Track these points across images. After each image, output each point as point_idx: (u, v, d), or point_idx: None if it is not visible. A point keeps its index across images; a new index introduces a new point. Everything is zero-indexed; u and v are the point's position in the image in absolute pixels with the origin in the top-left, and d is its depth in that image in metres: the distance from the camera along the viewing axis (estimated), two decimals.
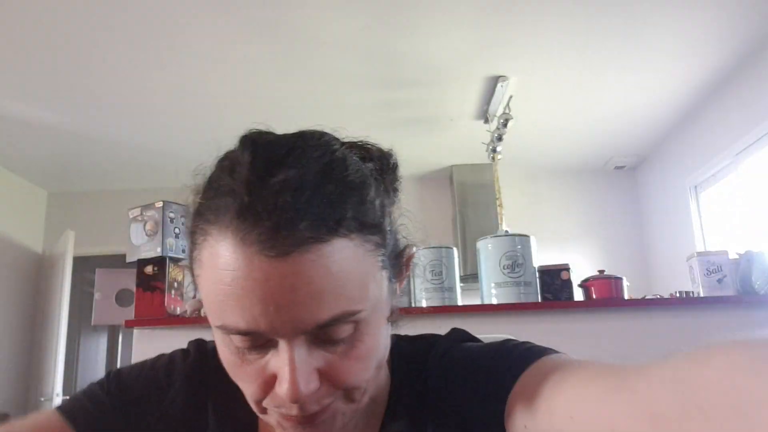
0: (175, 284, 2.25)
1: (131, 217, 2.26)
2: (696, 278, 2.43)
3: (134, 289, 2.23)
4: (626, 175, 5.33)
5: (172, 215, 2.23)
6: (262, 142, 0.49)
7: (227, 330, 0.45)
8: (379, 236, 0.48)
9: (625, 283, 2.46)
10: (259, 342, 0.46)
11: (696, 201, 4.33)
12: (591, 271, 2.67)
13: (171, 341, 2.35)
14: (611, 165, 5.20)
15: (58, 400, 4.06)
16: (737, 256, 2.44)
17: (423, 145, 4.63)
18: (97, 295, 3.40)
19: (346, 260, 0.44)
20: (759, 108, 3.41)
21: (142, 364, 0.62)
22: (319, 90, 3.75)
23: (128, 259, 2.26)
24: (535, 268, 2.42)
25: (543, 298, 2.37)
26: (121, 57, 3.28)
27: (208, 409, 0.59)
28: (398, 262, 0.53)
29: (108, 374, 0.61)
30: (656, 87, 3.85)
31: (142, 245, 2.22)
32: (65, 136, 4.23)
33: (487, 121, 4.15)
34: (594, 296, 2.42)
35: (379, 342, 0.50)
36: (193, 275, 0.51)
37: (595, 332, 2.33)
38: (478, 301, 2.46)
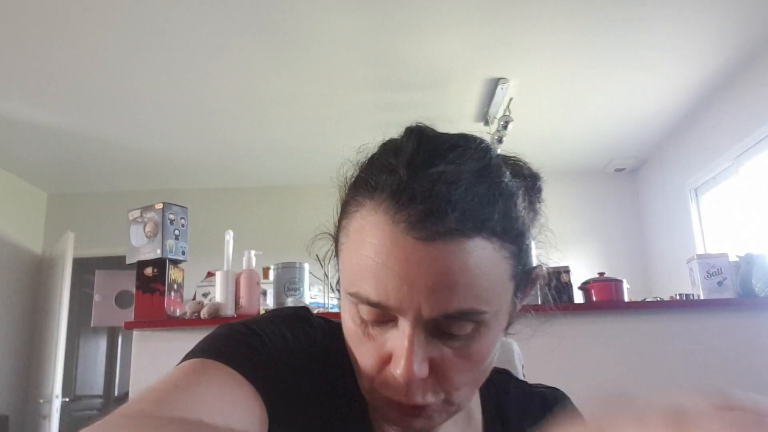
0: (175, 286, 2.25)
1: (131, 218, 2.26)
2: (696, 281, 2.42)
3: (134, 290, 2.23)
4: (626, 178, 5.33)
5: (172, 217, 2.23)
6: (428, 134, 0.52)
7: (359, 298, 0.48)
8: (516, 247, 0.50)
9: (626, 286, 2.46)
10: (385, 318, 0.48)
11: (696, 203, 4.32)
12: (591, 274, 2.67)
13: (171, 343, 2.35)
14: (611, 167, 5.20)
15: (57, 401, 4.06)
16: (737, 259, 2.44)
17: None
18: (96, 297, 3.40)
19: (483, 260, 0.46)
20: (759, 111, 3.41)
21: (268, 318, 0.57)
22: (319, 92, 3.76)
23: (128, 261, 2.25)
24: None
25: (543, 300, 2.36)
26: (121, 58, 3.28)
27: (334, 383, 0.57)
28: (526, 279, 0.54)
29: (236, 323, 0.54)
30: (656, 89, 3.85)
31: (141, 247, 2.22)
32: (65, 137, 4.24)
33: (487, 123, 4.15)
34: (594, 299, 2.42)
35: (491, 349, 0.51)
36: (337, 243, 0.54)
37: (595, 334, 2.32)
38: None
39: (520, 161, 0.59)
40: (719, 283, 2.37)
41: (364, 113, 4.05)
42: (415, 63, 3.45)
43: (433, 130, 0.54)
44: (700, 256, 2.45)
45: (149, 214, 2.23)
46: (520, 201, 0.51)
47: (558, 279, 2.37)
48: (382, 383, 0.49)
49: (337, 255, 0.55)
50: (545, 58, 3.43)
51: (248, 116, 4.08)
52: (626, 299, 2.44)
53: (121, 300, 3.51)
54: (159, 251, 2.17)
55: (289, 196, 5.34)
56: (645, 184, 5.17)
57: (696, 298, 2.41)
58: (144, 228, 2.23)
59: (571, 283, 2.39)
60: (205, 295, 3.11)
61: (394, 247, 0.45)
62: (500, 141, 3.90)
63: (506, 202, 0.49)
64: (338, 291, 0.53)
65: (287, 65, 3.42)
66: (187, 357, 0.51)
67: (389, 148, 0.52)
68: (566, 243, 4.99)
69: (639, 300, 2.62)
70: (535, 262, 0.55)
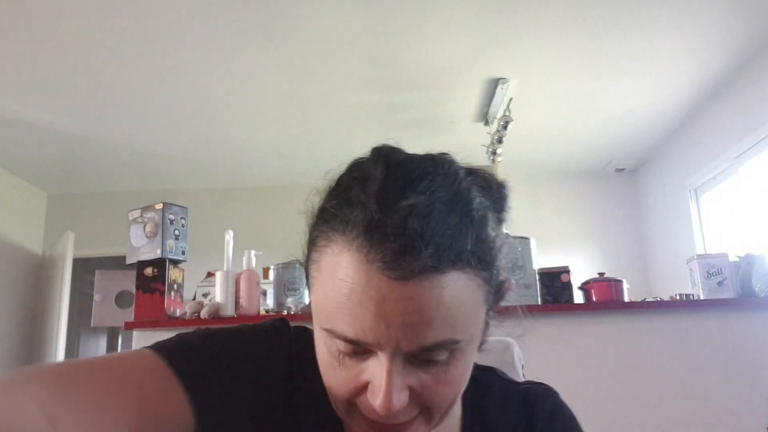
0: (175, 286, 2.25)
1: (131, 218, 2.26)
2: (696, 281, 2.42)
3: (134, 290, 2.23)
4: (626, 178, 5.33)
5: (171, 217, 2.23)
6: (396, 161, 0.50)
7: (334, 335, 0.48)
8: (488, 272, 0.50)
9: (625, 286, 2.46)
10: (361, 350, 0.48)
11: (696, 204, 4.32)
12: (591, 274, 2.67)
13: None
14: (611, 167, 5.20)
15: None
16: (737, 259, 2.44)
17: (423, 148, 4.55)
18: (96, 297, 3.41)
19: (457, 292, 0.46)
20: (759, 111, 3.41)
21: (238, 328, 0.59)
22: (319, 92, 3.76)
23: (128, 261, 2.25)
24: (535, 270, 2.41)
25: (543, 300, 2.36)
26: (122, 59, 3.28)
27: (302, 391, 0.59)
28: (497, 297, 0.55)
29: (200, 329, 0.58)
30: (657, 90, 3.85)
31: (141, 247, 2.22)
32: (66, 138, 4.24)
33: (487, 123, 4.16)
34: (594, 299, 2.42)
35: (468, 370, 0.52)
36: (307, 274, 0.54)
37: (595, 335, 2.32)
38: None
39: (486, 173, 0.58)
40: (719, 284, 2.37)
41: (364, 113, 4.05)
42: (415, 63, 3.45)
43: (401, 153, 0.53)
44: (700, 257, 2.45)
45: (149, 214, 2.23)
46: (490, 223, 0.51)
47: (558, 279, 2.37)
48: (360, 406, 0.50)
49: (308, 286, 0.54)
50: (545, 59, 3.43)
51: (248, 116, 4.08)
52: (626, 299, 2.44)
53: (121, 300, 3.51)
54: (159, 251, 2.17)
55: (288, 196, 5.33)
56: (645, 184, 5.17)
57: (696, 298, 2.41)
58: (144, 228, 2.23)
59: (571, 283, 2.39)
60: (205, 295, 3.11)
61: (369, 287, 0.45)
62: (500, 141, 3.91)
63: (478, 229, 0.49)
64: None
65: (287, 65, 3.42)
66: (149, 346, 0.54)
67: (357, 176, 0.50)
68: (566, 243, 5.01)
69: (639, 300, 2.62)
70: (502, 276, 0.55)
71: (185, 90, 3.67)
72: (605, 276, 2.49)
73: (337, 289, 0.47)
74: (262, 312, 2.34)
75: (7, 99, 3.67)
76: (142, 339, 2.24)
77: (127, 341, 5.34)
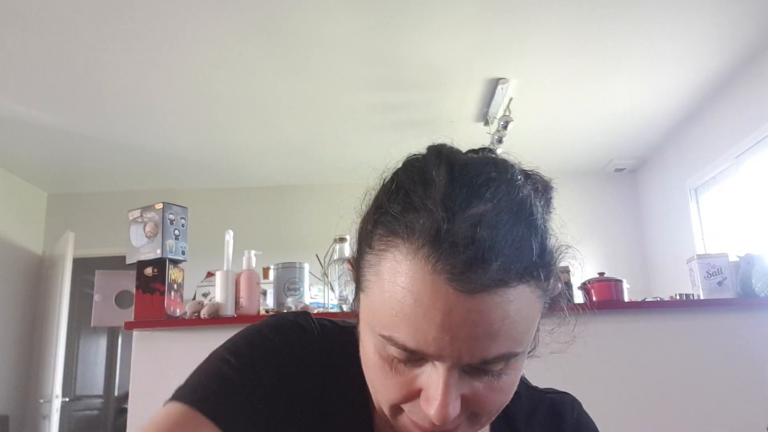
0: (175, 286, 2.25)
1: (131, 218, 2.26)
2: (696, 281, 2.42)
3: (134, 290, 2.23)
4: (626, 178, 5.34)
5: (172, 217, 2.23)
6: (458, 163, 0.49)
7: (393, 342, 0.47)
8: (547, 282, 0.49)
9: (625, 286, 2.45)
10: (415, 358, 0.47)
11: (696, 203, 4.33)
12: (591, 274, 2.67)
13: (171, 343, 2.36)
14: (611, 167, 5.20)
15: (57, 401, 4.06)
16: (737, 259, 2.44)
17: (423, 148, 4.62)
18: (96, 297, 3.40)
19: (522, 306, 0.46)
20: (759, 111, 3.41)
21: (262, 335, 0.58)
22: (319, 92, 3.76)
23: (128, 261, 2.25)
24: None
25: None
26: (121, 59, 3.28)
27: (333, 389, 0.58)
28: (551, 303, 0.54)
29: (228, 353, 0.56)
30: (656, 89, 3.85)
31: (141, 247, 2.22)
32: (65, 137, 4.24)
33: (487, 123, 4.16)
34: (594, 298, 2.42)
35: (518, 377, 0.51)
36: (358, 275, 0.52)
37: (595, 335, 2.32)
38: None
39: (538, 175, 0.59)
40: (719, 283, 2.37)
41: (364, 113, 4.05)
42: (415, 63, 3.45)
43: (458, 153, 0.53)
44: (700, 256, 2.45)
45: (149, 214, 2.23)
46: (551, 233, 0.52)
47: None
48: (408, 410, 0.49)
49: (358, 287, 0.53)
50: (545, 59, 3.44)
51: (248, 116, 4.08)
52: (626, 299, 2.44)
53: (121, 300, 3.51)
54: (159, 251, 2.17)
55: (289, 196, 5.34)
56: (645, 184, 5.17)
57: (696, 298, 2.41)
58: (144, 228, 2.23)
59: (571, 283, 2.39)
60: (205, 295, 3.11)
61: (436, 299, 0.44)
62: (500, 141, 3.91)
63: (542, 240, 0.49)
64: (343, 303, 0.54)
65: (287, 65, 3.42)
66: (175, 395, 0.52)
67: (417, 177, 0.49)
68: (566, 243, 5.00)
69: (639, 300, 2.62)
70: (558, 284, 0.54)
71: (185, 90, 3.67)
72: (605, 276, 2.49)
73: (400, 298, 0.45)
74: (262, 312, 2.34)
75: (7, 99, 3.67)
76: (142, 339, 2.24)
77: (127, 341, 5.34)
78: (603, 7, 2.94)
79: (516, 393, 0.63)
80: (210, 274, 3.43)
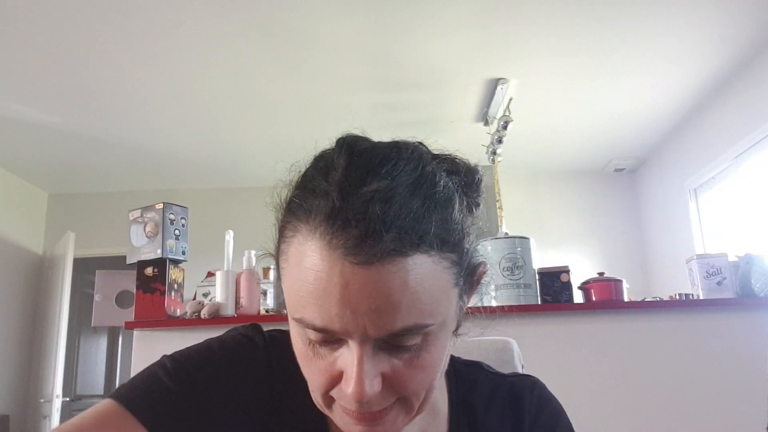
0: (175, 286, 2.25)
1: (131, 218, 2.26)
2: (695, 280, 2.43)
3: (134, 290, 2.23)
4: (626, 178, 5.34)
5: (172, 217, 2.24)
6: (359, 149, 0.50)
7: (304, 324, 0.48)
8: (456, 254, 0.50)
9: (625, 286, 2.46)
10: (332, 338, 0.48)
11: (695, 203, 4.33)
12: (591, 274, 2.67)
13: (171, 343, 2.36)
14: (611, 167, 5.21)
15: (57, 401, 4.06)
16: (737, 259, 2.44)
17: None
18: (97, 297, 3.41)
19: (423, 275, 0.46)
20: (757, 111, 3.42)
21: (207, 347, 0.60)
22: (318, 92, 3.76)
23: (128, 261, 2.26)
24: (534, 270, 2.42)
25: (543, 300, 2.37)
26: (121, 59, 3.28)
27: (285, 394, 0.60)
28: (470, 279, 0.55)
29: (169, 359, 0.58)
30: (656, 90, 3.85)
31: (142, 247, 2.22)
32: (66, 137, 4.24)
33: (487, 123, 4.16)
34: (594, 298, 2.42)
35: (442, 355, 0.51)
36: (277, 265, 0.54)
37: (594, 334, 2.33)
38: (477, 303, 2.46)
39: (456, 158, 0.58)
40: (718, 283, 2.37)
41: (364, 113, 4.06)
42: (415, 63, 3.46)
43: (366, 141, 0.53)
44: (699, 256, 2.45)
45: (150, 214, 2.24)
46: (457, 206, 0.51)
47: (558, 278, 2.38)
48: (337, 397, 0.50)
49: (279, 278, 0.54)
50: (545, 59, 3.44)
51: (248, 116, 4.08)
52: (626, 299, 2.45)
53: (122, 300, 3.52)
54: (159, 251, 2.18)
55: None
56: (644, 184, 5.17)
57: (695, 297, 2.42)
58: (144, 228, 2.23)
59: (570, 282, 2.39)
60: (205, 294, 3.12)
61: (333, 273, 0.45)
62: (500, 141, 3.91)
63: (443, 211, 0.49)
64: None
65: (287, 65, 3.43)
66: (113, 392, 0.55)
67: (320, 166, 0.51)
68: (566, 243, 5.02)
69: (638, 300, 2.63)
70: (475, 259, 0.55)
71: (186, 90, 3.68)
72: (605, 276, 2.50)
73: (304, 278, 0.47)
74: (263, 312, 2.34)
75: (7, 99, 3.67)
76: (143, 339, 2.25)
77: (128, 341, 5.35)
78: (603, 8, 2.94)
79: (473, 380, 0.64)
80: (210, 274, 3.44)
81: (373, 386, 0.47)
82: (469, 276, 0.54)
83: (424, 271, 0.46)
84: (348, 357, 0.47)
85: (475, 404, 0.63)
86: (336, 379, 0.49)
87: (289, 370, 0.58)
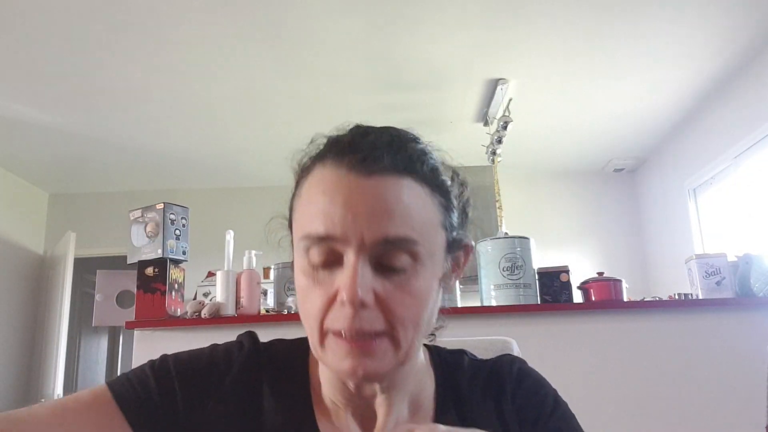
0: (176, 285, 2.26)
1: (132, 218, 2.27)
2: (695, 280, 2.43)
3: (135, 290, 2.24)
4: (625, 178, 5.34)
5: (173, 217, 2.24)
6: (362, 125, 0.61)
7: (309, 239, 0.54)
8: (445, 200, 0.59)
9: (624, 285, 2.46)
10: (332, 258, 0.54)
11: (695, 203, 4.33)
12: (590, 273, 2.68)
13: (171, 342, 2.36)
14: (610, 167, 5.21)
15: None
16: (736, 259, 2.45)
17: None
18: (97, 297, 3.41)
19: (415, 197, 0.55)
20: (757, 111, 3.42)
21: (198, 352, 0.66)
22: (319, 92, 3.77)
23: (129, 261, 2.26)
24: (534, 270, 2.42)
25: (542, 300, 2.37)
26: (123, 59, 3.29)
27: (263, 393, 0.64)
28: (457, 244, 0.62)
29: (160, 360, 0.63)
30: (655, 90, 3.86)
31: (142, 247, 2.23)
32: (66, 137, 4.25)
33: (486, 123, 4.16)
34: (593, 298, 2.43)
35: (429, 290, 0.57)
36: (291, 219, 0.62)
37: (594, 334, 2.33)
38: (477, 303, 2.47)
39: (456, 168, 0.68)
40: (718, 283, 2.38)
41: (364, 113, 4.06)
42: (415, 63, 3.46)
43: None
44: (698, 256, 2.46)
45: (150, 214, 2.24)
46: (443, 172, 0.60)
47: (557, 278, 2.38)
48: (331, 320, 0.54)
49: (291, 229, 0.62)
50: (545, 59, 3.44)
51: (248, 116, 4.09)
52: (625, 299, 2.45)
53: (122, 300, 3.51)
54: (160, 251, 2.18)
55: (289, 196, 5.34)
56: (644, 184, 5.18)
57: (694, 297, 2.42)
58: (145, 228, 2.24)
59: (570, 282, 2.40)
60: (205, 294, 3.12)
61: (340, 185, 0.53)
62: (500, 141, 3.92)
63: (434, 164, 0.59)
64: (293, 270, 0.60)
65: (287, 65, 3.43)
66: (111, 380, 0.61)
67: (332, 135, 0.61)
68: (565, 242, 5.02)
69: (638, 300, 2.63)
70: (462, 234, 0.62)
71: (185, 90, 3.68)
72: (604, 275, 2.50)
73: (314, 197, 0.55)
74: (263, 311, 2.35)
75: (8, 99, 3.68)
76: (143, 338, 2.25)
77: (128, 341, 5.35)
78: (602, 8, 2.95)
79: (457, 364, 0.68)
80: (211, 274, 3.44)
81: (367, 294, 0.52)
82: (457, 240, 0.61)
83: (416, 194, 0.55)
84: (344, 271, 0.53)
85: (459, 384, 0.66)
86: (332, 299, 0.54)
87: (282, 372, 0.63)
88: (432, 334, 0.67)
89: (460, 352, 0.71)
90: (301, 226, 0.56)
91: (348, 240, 0.52)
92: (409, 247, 0.53)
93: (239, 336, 0.69)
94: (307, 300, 0.56)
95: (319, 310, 0.54)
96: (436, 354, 0.69)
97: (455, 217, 0.61)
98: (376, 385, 0.59)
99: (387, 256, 0.53)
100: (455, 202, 0.62)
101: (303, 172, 0.60)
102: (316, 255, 0.54)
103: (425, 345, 0.69)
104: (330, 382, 0.62)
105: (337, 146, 0.56)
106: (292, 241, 0.62)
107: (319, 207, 0.54)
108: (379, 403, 0.60)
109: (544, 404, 0.64)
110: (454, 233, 0.60)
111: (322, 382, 0.63)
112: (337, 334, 0.53)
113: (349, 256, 0.53)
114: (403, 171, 0.55)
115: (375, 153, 0.54)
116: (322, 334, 0.55)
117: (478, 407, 0.64)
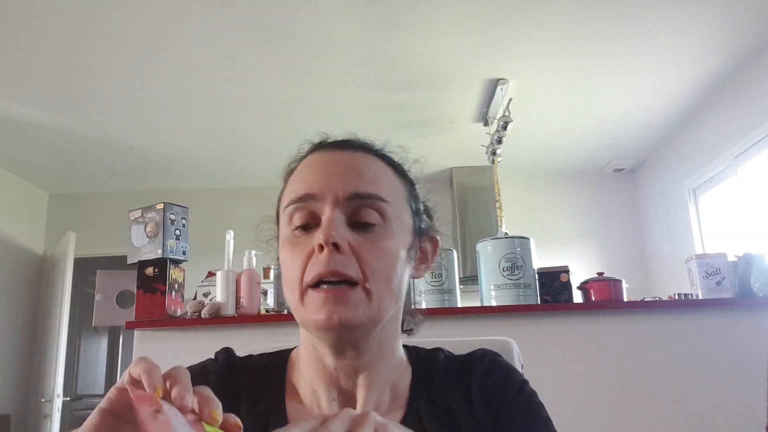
0: (176, 286, 2.26)
1: (132, 218, 2.27)
2: (695, 280, 2.43)
3: (135, 290, 2.24)
4: (625, 178, 5.34)
5: (172, 217, 2.24)
6: None
7: (291, 202, 0.64)
8: (409, 185, 0.70)
9: (624, 286, 2.46)
10: (311, 220, 0.62)
11: (695, 203, 4.33)
12: (590, 273, 2.68)
13: (171, 343, 2.36)
14: (610, 167, 5.21)
15: (58, 401, 4.07)
16: (736, 259, 2.44)
17: (423, 148, 4.56)
18: (97, 297, 3.41)
19: (382, 170, 0.67)
20: (757, 111, 3.42)
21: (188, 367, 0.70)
22: (319, 92, 3.77)
23: (129, 261, 2.26)
24: (534, 270, 2.42)
25: (542, 300, 2.37)
26: (123, 59, 3.29)
27: (240, 398, 0.68)
28: (425, 233, 0.71)
29: None
30: (655, 90, 3.86)
31: (142, 247, 2.23)
32: (66, 137, 4.25)
33: (486, 123, 4.16)
34: (593, 298, 2.43)
35: (398, 254, 0.64)
36: (278, 219, 0.70)
37: (594, 334, 2.33)
38: (477, 303, 2.47)
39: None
40: (718, 283, 2.38)
41: (364, 113, 4.06)
42: (415, 63, 3.46)
43: None
44: (698, 256, 2.46)
45: (150, 214, 2.24)
46: (412, 173, 0.72)
47: (557, 278, 2.38)
48: (310, 271, 0.60)
49: (278, 224, 0.70)
50: (544, 59, 3.44)
51: (248, 116, 4.09)
52: (625, 299, 2.45)
53: (122, 300, 3.51)
54: (160, 251, 2.18)
55: None
56: (644, 185, 5.18)
57: (695, 297, 2.42)
58: (145, 228, 2.24)
59: (570, 282, 2.40)
60: (205, 294, 3.13)
61: (320, 158, 0.66)
62: (500, 141, 3.91)
63: (401, 161, 0.71)
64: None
65: (287, 65, 3.43)
66: None
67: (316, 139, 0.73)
68: (565, 243, 5.02)
69: (638, 300, 2.63)
70: (428, 224, 0.73)
71: (186, 90, 3.68)
72: (604, 276, 2.50)
73: (297, 176, 0.66)
74: (263, 311, 2.35)
75: (8, 99, 3.68)
76: (143, 339, 2.26)
77: (128, 341, 5.35)
78: (602, 8, 2.95)
79: (434, 358, 0.73)
80: (211, 274, 3.45)
81: (340, 239, 0.59)
82: (424, 231, 0.71)
83: (383, 169, 0.67)
84: (322, 223, 0.60)
85: (432, 375, 0.70)
86: (311, 254, 0.60)
87: (254, 380, 0.69)
88: (410, 330, 0.75)
89: (437, 350, 0.75)
90: (286, 202, 0.65)
91: (324, 197, 0.61)
92: (378, 205, 0.62)
93: (216, 352, 0.73)
94: (289, 265, 0.62)
95: (299, 268, 0.61)
96: (414, 352, 0.74)
97: (420, 205, 0.71)
98: (357, 375, 0.64)
99: (359, 213, 0.61)
100: (420, 194, 0.72)
101: (289, 173, 0.69)
102: (297, 218, 0.63)
103: (404, 345, 0.74)
104: (311, 367, 0.66)
105: (318, 144, 0.69)
106: (278, 236, 0.69)
107: (300, 177, 0.65)
108: (360, 393, 0.65)
109: (509, 389, 0.67)
110: (421, 221, 0.70)
111: (304, 372, 0.68)
112: (315, 286, 0.59)
113: (326, 211, 0.61)
114: (372, 152, 0.67)
115: (349, 140, 0.68)
116: (302, 291, 0.61)
117: (449, 393, 0.68)
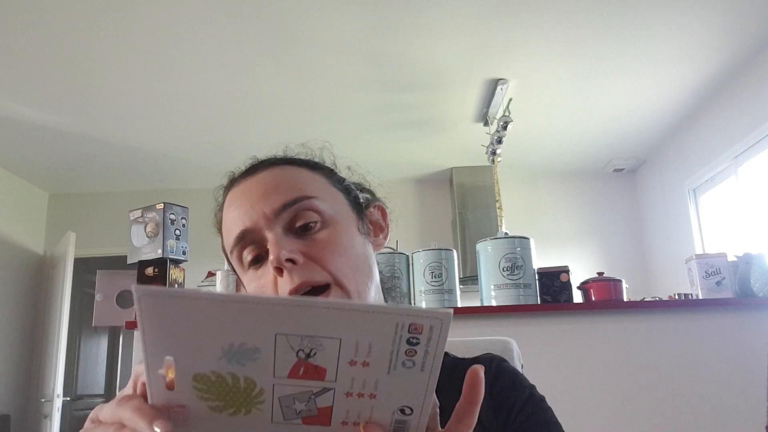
0: (176, 286, 2.26)
1: (132, 218, 2.27)
2: (695, 280, 2.44)
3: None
4: (625, 178, 5.34)
5: (172, 217, 2.24)
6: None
7: (236, 244, 0.64)
8: (329, 174, 0.71)
9: (624, 286, 2.47)
10: (261, 251, 0.63)
11: (695, 204, 4.33)
12: (590, 273, 2.68)
13: None
14: (610, 167, 5.21)
15: (58, 401, 4.07)
16: (736, 259, 2.45)
17: (423, 148, 4.64)
18: (97, 297, 3.41)
19: (295, 172, 0.68)
20: (757, 112, 3.42)
21: None
22: (319, 92, 3.77)
23: (129, 261, 2.26)
24: (534, 270, 2.42)
25: (542, 300, 2.38)
26: (123, 59, 3.29)
27: None
28: (365, 204, 0.73)
29: None
30: (655, 90, 3.86)
31: (142, 247, 2.23)
32: (67, 137, 4.25)
33: (486, 123, 4.16)
34: (593, 298, 2.43)
35: (352, 241, 0.65)
36: (227, 256, 0.69)
37: (594, 334, 2.33)
38: (477, 303, 2.47)
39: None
40: (718, 283, 2.38)
41: (364, 113, 4.06)
42: (415, 63, 3.46)
43: None
44: (698, 256, 2.46)
45: (150, 214, 2.24)
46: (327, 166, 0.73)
47: (557, 278, 2.39)
48: (280, 293, 0.60)
49: (229, 261, 0.69)
50: (544, 59, 3.44)
51: (248, 116, 4.09)
52: (625, 299, 2.45)
53: (122, 300, 3.52)
54: (160, 251, 2.18)
55: None
56: (644, 185, 5.18)
57: (695, 297, 2.43)
58: (145, 228, 2.24)
59: (570, 282, 2.40)
60: None
61: (235, 196, 0.67)
62: (500, 141, 3.91)
63: (310, 159, 0.72)
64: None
65: (287, 65, 3.43)
66: None
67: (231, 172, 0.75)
68: (565, 243, 5.02)
69: (638, 300, 2.63)
70: (364, 196, 0.73)
71: (186, 90, 3.68)
72: (604, 276, 2.50)
73: (226, 219, 0.67)
74: None
75: (8, 99, 3.68)
76: None
77: (128, 341, 5.35)
78: (602, 8, 2.95)
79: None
80: (211, 274, 3.44)
81: (291, 253, 0.59)
82: (364, 203, 0.72)
83: (296, 171, 0.68)
84: (269, 250, 0.61)
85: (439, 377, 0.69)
86: (275, 281, 0.61)
87: None
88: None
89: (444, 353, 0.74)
90: (229, 245, 0.65)
91: (257, 224, 0.62)
92: (307, 204, 0.63)
93: None
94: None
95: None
96: None
97: (348, 183, 0.72)
98: None
99: (296, 219, 0.62)
100: (341, 175, 0.73)
101: (219, 223, 0.71)
102: (247, 255, 0.64)
103: None
104: None
105: (229, 182, 0.70)
106: (233, 270, 0.70)
107: (230, 219, 0.65)
108: None
109: (519, 395, 0.67)
110: (356, 196, 0.71)
111: None
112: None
113: (266, 235, 0.61)
114: (278, 163, 0.68)
115: (252, 165, 0.70)
116: None
117: (454, 397, 0.66)
